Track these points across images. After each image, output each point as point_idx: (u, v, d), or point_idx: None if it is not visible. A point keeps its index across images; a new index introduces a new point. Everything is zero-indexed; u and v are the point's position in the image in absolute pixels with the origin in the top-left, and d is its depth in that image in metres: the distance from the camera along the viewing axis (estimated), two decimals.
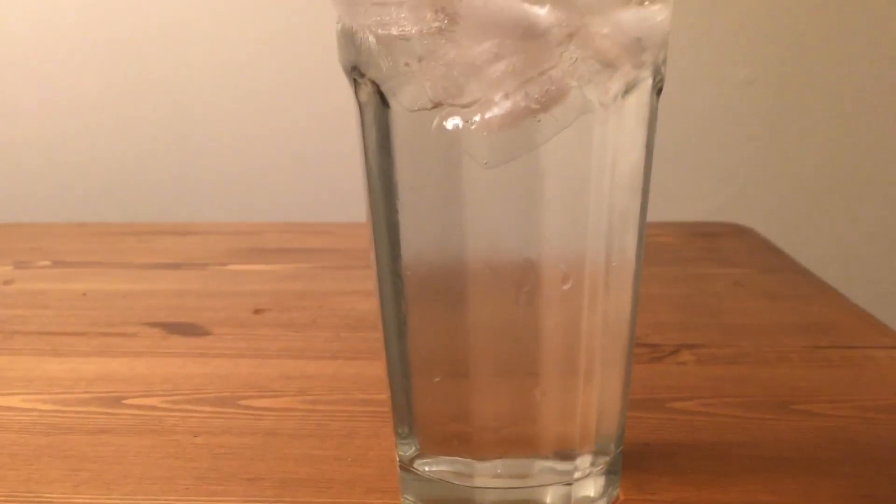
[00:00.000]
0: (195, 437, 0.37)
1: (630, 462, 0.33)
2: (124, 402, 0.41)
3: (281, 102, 1.08)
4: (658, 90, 0.29)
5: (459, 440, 0.29)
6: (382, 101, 0.28)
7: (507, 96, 0.27)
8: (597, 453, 0.30)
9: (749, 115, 1.07)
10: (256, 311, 0.56)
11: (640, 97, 0.28)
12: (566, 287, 0.28)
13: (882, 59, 1.04)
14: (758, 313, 0.53)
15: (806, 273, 0.64)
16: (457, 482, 0.29)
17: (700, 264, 0.67)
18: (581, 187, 0.28)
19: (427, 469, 0.30)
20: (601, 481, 0.30)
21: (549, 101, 0.27)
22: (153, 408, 0.40)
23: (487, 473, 0.29)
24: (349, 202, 0.86)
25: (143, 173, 1.11)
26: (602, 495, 0.30)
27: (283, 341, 0.50)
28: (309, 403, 0.40)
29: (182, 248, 0.77)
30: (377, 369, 0.44)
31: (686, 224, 0.83)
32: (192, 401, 0.41)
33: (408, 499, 0.30)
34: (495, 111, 0.27)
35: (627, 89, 0.28)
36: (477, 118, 0.27)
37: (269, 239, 0.82)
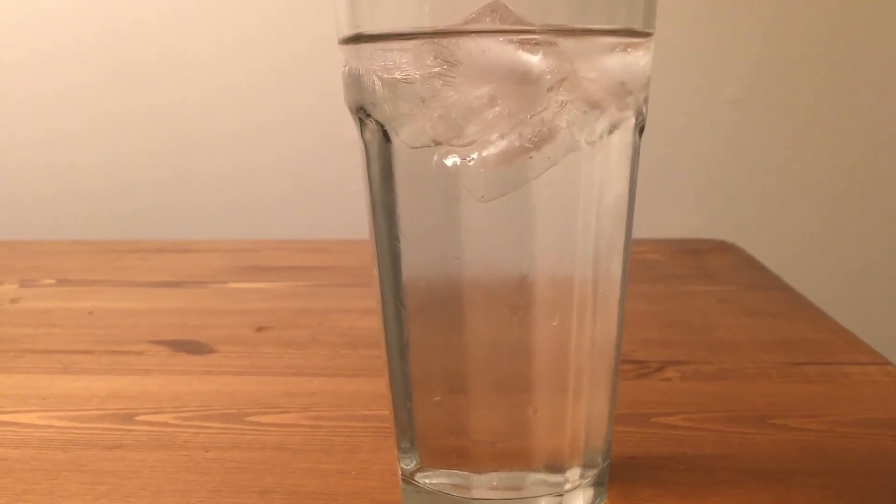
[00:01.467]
0: (206, 451, 0.39)
1: (617, 474, 0.35)
2: (136, 418, 0.43)
3: (281, 124, 1.10)
4: (640, 129, 0.31)
5: (458, 454, 0.31)
6: (385, 137, 0.30)
7: (502, 136, 0.29)
8: (585, 466, 0.32)
9: (734, 134, 1.10)
10: (258, 329, 0.58)
11: (624, 136, 0.31)
12: (556, 310, 0.31)
13: (866, 77, 1.07)
14: (740, 330, 0.56)
15: (788, 290, 0.66)
16: (455, 494, 0.31)
17: (686, 281, 0.70)
18: (570, 218, 0.30)
19: (427, 482, 0.32)
20: (590, 493, 0.32)
21: (540, 141, 0.30)
22: (165, 424, 0.42)
23: (484, 486, 0.31)
24: (345, 219, 0.88)
25: (145, 190, 1.13)
26: None
27: (285, 359, 0.52)
28: (313, 419, 0.42)
29: (183, 266, 0.79)
30: (377, 386, 0.46)
31: (673, 241, 0.85)
32: (201, 417, 0.43)
33: None
34: (491, 150, 0.30)
35: (612, 129, 0.30)
36: (474, 156, 0.29)
37: (268, 256, 0.84)
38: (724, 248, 0.83)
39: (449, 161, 0.30)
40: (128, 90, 1.10)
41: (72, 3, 1.08)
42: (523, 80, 0.29)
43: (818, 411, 0.42)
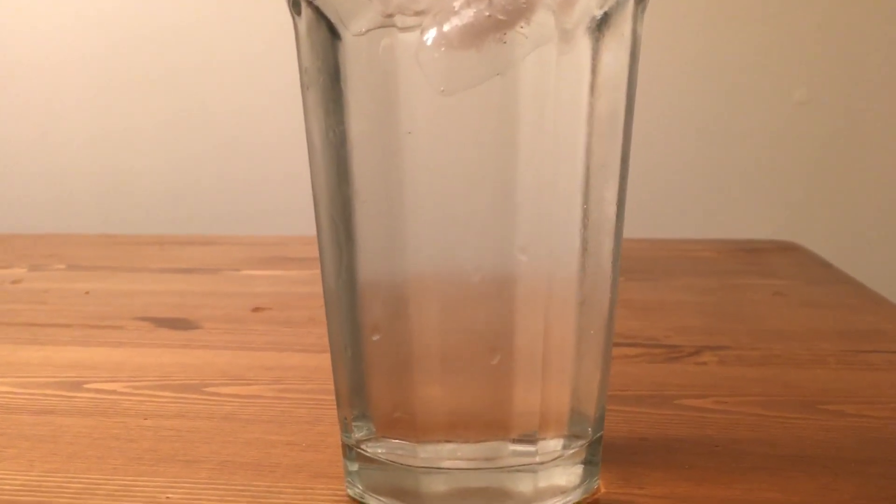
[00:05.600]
0: (145, 419, 0.33)
1: (621, 455, 0.29)
2: (85, 386, 0.38)
3: None
4: (642, 9, 0.25)
5: (407, 420, 0.25)
6: (321, 23, 0.25)
7: (468, 4, 0.23)
8: (569, 437, 0.25)
9: (804, 137, 1.02)
10: (255, 310, 0.53)
11: (621, 19, 0.25)
12: (530, 241, 0.24)
13: None
14: (795, 320, 0.48)
15: (855, 284, 0.58)
16: (404, 464, 0.25)
17: (739, 276, 0.62)
18: (552, 128, 0.24)
19: (372, 451, 0.26)
20: (576, 471, 0.26)
21: (516, 14, 0.24)
22: (112, 392, 0.37)
23: (439, 456, 0.25)
24: None
25: (185, 194, 1.10)
26: (577, 486, 0.26)
27: (273, 336, 0.47)
28: (279, 391, 0.37)
29: (200, 256, 0.75)
30: None
31: (729, 241, 0.78)
32: (156, 387, 0.38)
33: (352, 484, 0.26)
34: (455, 22, 0.24)
35: (606, 7, 0.24)
36: (433, 32, 0.24)
37: (293, 249, 0.79)
38: (787, 248, 0.75)
39: (401, 41, 0.24)
40: (169, 95, 1.08)
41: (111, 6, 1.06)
42: None
43: (883, 398, 0.35)
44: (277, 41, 1.05)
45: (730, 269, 0.65)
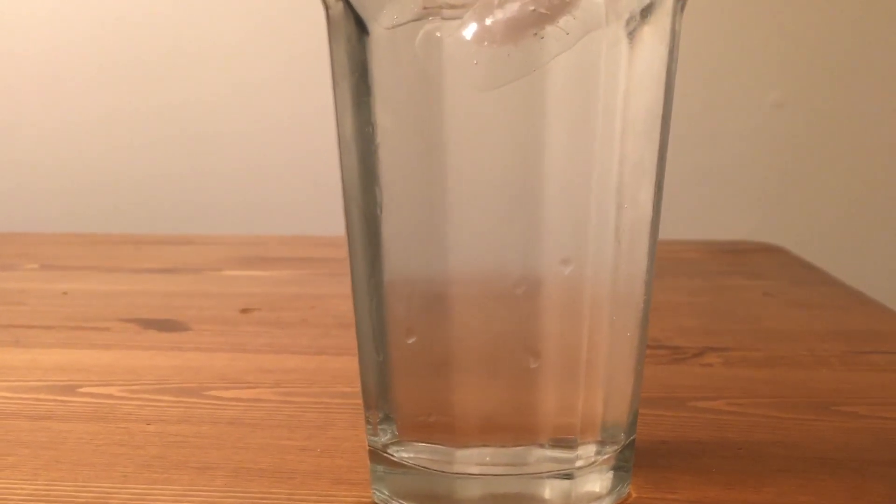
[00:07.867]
0: (148, 425, 0.32)
1: (645, 460, 0.28)
2: (79, 390, 0.37)
3: (306, 124, 1.05)
4: (682, 6, 0.25)
5: (440, 423, 0.24)
6: (353, 18, 0.24)
7: None
8: (603, 442, 0.25)
9: (779, 140, 1.03)
10: (243, 311, 0.52)
11: (661, 17, 0.24)
12: (569, 250, 0.24)
13: None
14: (791, 320, 0.48)
15: (842, 285, 0.58)
16: (436, 469, 0.24)
17: (727, 276, 0.62)
18: (591, 126, 0.24)
19: (402, 456, 0.25)
20: (608, 477, 0.25)
21: (560, 8, 0.23)
22: (109, 396, 0.36)
23: (472, 461, 0.24)
24: None
25: (158, 189, 1.08)
26: (610, 492, 0.25)
27: (266, 338, 0.46)
28: (283, 395, 0.36)
29: (178, 256, 0.73)
30: None
31: (713, 242, 0.78)
32: (154, 391, 0.37)
33: (379, 490, 0.26)
34: (498, 16, 0.23)
35: (646, 6, 0.23)
36: (474, 25, 0.23)
37: (272, 249, 0.78)
38: (769, 250, 0.75)
39: (437, 35, 0.23)
40: (146, 88, 1.05)
41: None
42: None
43: (894, 399, 0.35)
44: (259, 34, 1.03)
45: (716, 270, 0.65)
